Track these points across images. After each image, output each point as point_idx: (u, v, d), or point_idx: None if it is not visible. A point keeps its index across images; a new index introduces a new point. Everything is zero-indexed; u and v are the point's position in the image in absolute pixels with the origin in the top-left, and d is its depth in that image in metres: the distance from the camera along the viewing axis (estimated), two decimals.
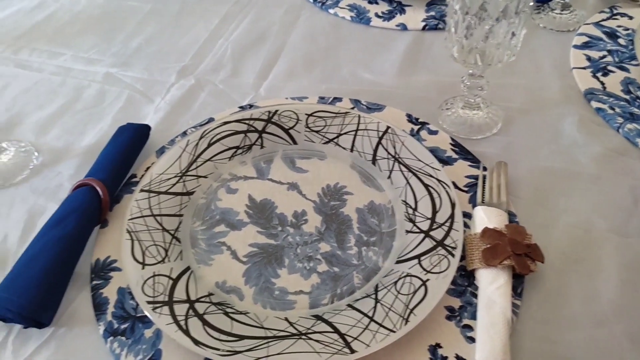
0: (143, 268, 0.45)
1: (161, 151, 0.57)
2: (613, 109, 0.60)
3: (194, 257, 0.48)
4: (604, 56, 0.67)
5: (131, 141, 0.56)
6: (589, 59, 0.67)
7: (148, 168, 0.56)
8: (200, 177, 0.54)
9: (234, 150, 0.56)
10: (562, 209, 0.51)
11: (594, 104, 0.61)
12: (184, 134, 0.59)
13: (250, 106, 0.62)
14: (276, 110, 0.58)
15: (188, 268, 0.47)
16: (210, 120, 0.60)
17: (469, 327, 0.43)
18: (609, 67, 0.65)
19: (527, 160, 0.55)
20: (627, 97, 0.61)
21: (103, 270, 0.47)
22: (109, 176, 0.52)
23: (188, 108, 0.63)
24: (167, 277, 0.45)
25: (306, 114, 0.58)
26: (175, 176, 0.53)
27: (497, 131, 0.59)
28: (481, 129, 0.59)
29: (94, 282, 0.46)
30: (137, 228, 0.48)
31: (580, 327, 0.43)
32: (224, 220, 0.51)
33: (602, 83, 0.63)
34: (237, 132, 0.57)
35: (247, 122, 0.57)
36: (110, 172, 0.53)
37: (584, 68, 0.66)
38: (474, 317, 0.43)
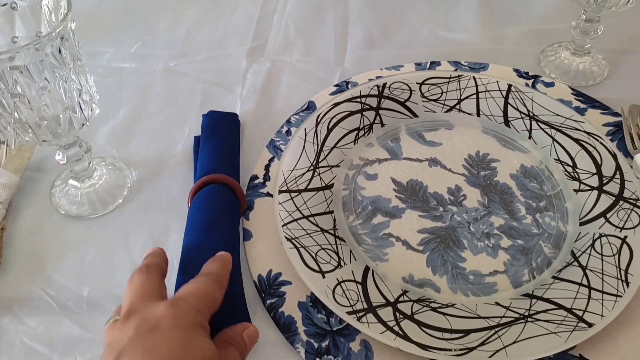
0: (324, 277, 0.41)
1: (273, 145, 0.51)
2: None
3: (366, 255, 0.44)
4: None
5: (231, 129, 0.51)
6: None
7: (267, 166, 0.50)
8: (333, 166, 0.49)
9: (356, 132, 0.51)
10: None
11: None
12: (289, 122, 0.53)
13: (347, 83, 0.57)
14: (384, 84, 0.53)
15: (367, 268, 0.42)
16: (311, 103, 0.55)
17: None
18: None
19: None
20: None
21: (272, 287, 0.42)
22: (230, 170, 0.47)
23: (276, 94, 0.57)
24: (353, 282, 0.41)
25: (417, 83, 0.54)
26: (308, 170, 0.48)
27: (607, 75, 0.57)
28: (592, 75, 0.57)
29: (269, 302, 0.41)
30: (296, 234, 0.43)
31: None
32: (378, 209, 0.46)
33: None
34: (352, 113, 0.52)
35: (358, 100, 0.52)
36: (229, 166, 0.47)
37: None
38: None
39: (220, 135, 0.49)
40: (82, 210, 0.47)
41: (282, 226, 0.43)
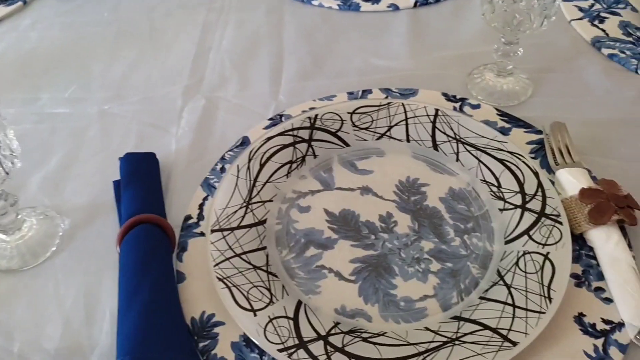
0: (255, 315, 0.41)
1: (207, 183, 0.52)
2: (624, 53, 0.62)
3: (299, 288, 0.44)
4: (593, 4, 0.69)
5: (151, 169, 0.52)
6: (580, 9, 0.69)
7: (201, 205, 0.50)
8: (266, 201, 0.49)
9: (289, 165, 0.52)
10: (626, 156, 0.52)
11: (605, 51, 0.63)
12: (223, 159, 0.54)
13: (281, 116, 0.58)
14: (316, 115, 0.54)
15: (300, 302, 0.43)
16: (245, 139, 0.55)
17: (600, 289, 0.43)
18: (602, 14, 0.68)
19: (572, 117, 0.56)
20: (630, 39, 0.64)
21: (205, 329, 0.42)
22: (156, 209, 0.48)
23: (211, 131, 0.58)
24: (285, 317, 0.41)
25: (348, 113, 0.55)
26: (241, 207, 0.48)
27: (532, 94, 0.59)
28: (517, 94, 0.59)
29: (202, 345, 0.41)
30: (228, 273, 0.43)
31: None
32: (311, 242, 0.47)
33: (603, 30, 0.66)
34: (285, 146, 0.53)
35: (291, 133, 0.53)
36: (154, 205, 0.48)
37: (580, 19, 0.68)
38: (600, 278, 0.43)
39: (140, 176, 0.50)
40: (12, 264, 0.46)
41: (214, 266, 0.44)
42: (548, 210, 0.46)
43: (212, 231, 0.46)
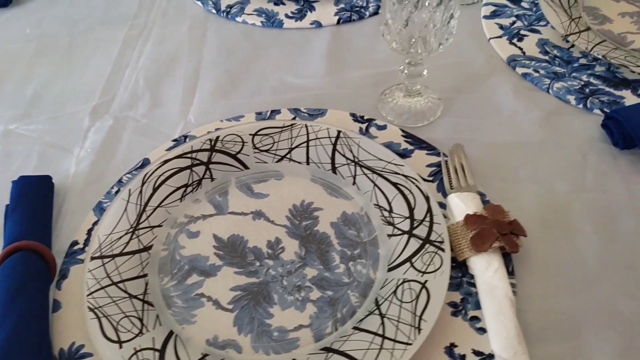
0: (120, 347, 0.40)
1: (99, 207, 0.51)
2: (538, 72, 0.62)
3: (174, 318, 0.43)
4: (514, 22, 0.69)
5: (42, 193, 0.51)
6: (501, 27, 0.69)
7: (90, 230, 0.49)
8: (155, 227, 0.49)
9: (183, 189, 0.51)
10: (523, 179, 0.52)
11: (519, 70, 0.63)
12: (120, 182, 0.53)
13: (185, 137, 0.57)
14: (217, 137, 0.54)
15: (171, 333, 0.42)
16: (145, 161, 0.55)
17: (476, 319, 0.42)
18: (522, 32, 0.68)
19: (477, 138, 0.56)
20: (546, 57, 0.64)
21: None
22: (38, 235, 0.46)
23: (114, 152, 0.57)
24: (151, 349, 0.40)
25: (250, 135, 0.54)
26: (126, 233, 0.47)
27: (440, 114, 0.59)
28: (425, 115, 0.58)
29: None
30: (100, 303, 0.43)
31: (577, 291, 0.44)
32: (194, 269, 0.46)
33: (520, 48, 0.65)
34: (181, 169, 0.52)
35: (189, 156, 0.53)
36: (38, 232, 0.47)
37: (499, 37, 0.67)
38: (478, 306, 0.43)
39: (29, 201, 0.49)
40: None
41: (87, 295, 0.43)
42: (433, 237, 0.45)
43: (92, 258, 0.45)
